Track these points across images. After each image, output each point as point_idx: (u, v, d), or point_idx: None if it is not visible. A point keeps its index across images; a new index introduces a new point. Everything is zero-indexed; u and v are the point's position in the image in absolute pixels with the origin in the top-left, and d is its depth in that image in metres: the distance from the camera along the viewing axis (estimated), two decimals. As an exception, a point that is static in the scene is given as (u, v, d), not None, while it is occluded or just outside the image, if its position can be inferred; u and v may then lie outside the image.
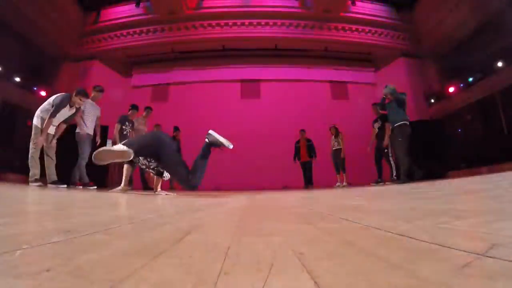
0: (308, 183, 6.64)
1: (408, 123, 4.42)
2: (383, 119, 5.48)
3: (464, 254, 0.36)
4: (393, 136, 4.62)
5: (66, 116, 4.04)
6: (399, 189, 2.83)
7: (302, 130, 6.96)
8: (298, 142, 6.96)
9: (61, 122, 4.07)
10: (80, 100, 4.02)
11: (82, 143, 4.37)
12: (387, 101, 4.74)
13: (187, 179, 2.65)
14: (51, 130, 3.95)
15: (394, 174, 5.27)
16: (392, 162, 5.37)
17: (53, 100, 3.88)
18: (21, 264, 0.35)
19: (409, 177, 4.29)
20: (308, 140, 6.86)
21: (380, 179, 5.54)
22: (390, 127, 4.78)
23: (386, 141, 5.34)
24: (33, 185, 3.62)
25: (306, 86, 9.48)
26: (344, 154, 6.22)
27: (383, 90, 4.79)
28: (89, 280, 0.30)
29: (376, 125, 5.72)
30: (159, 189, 3.19)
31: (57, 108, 3.81)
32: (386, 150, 5.44)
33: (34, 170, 3.70)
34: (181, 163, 2.71)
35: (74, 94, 3.98)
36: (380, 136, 5.57)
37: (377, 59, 9.52)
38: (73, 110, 4.08)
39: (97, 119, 4.70)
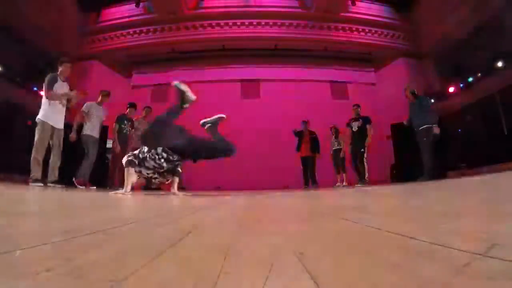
0: (313, 182, 6.14)
1: (432, 126, 4.59)
2: (365, 120, 5.59)
3: (464, 254, 0.36)
4: (421, 136, 4.68)
5: (65, 93, 4.07)
6: (399, 189, 2.83)
7: (305, 121, 6.41)
8: (300, 132, 6.39)
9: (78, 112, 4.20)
10: (66, 66, 4.07)
11: (87, 144, 4.44)
12: (408, 100, 5.01)
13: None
14: (58, 123, 3.95)
15: (367, 176, 5.33)
16: (366, 165, 5.36)
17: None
18: (21, 264, 0.35)
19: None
20: (312, 133, 6.33)
21: (364, 179, 5.43)
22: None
23: (369, 141, 5.40)
24: (33, 185, 3.62)
25: (306, 86, 9.46)
26: (344, 154, 6.21)
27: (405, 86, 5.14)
28: (89, 280, 0.30)
29: (356, 124, 5.62)
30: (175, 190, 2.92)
31: (47, 85, 3.85)
32: (362, 150, 5.40)
33: (35, 171, 3.70)
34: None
35: (58, 65, 4.05)
36: (357, 136, 5.52)
37: (377, 59, 9.51)
38: (66, 85, 4.12)
39: (101, 122, 4.77)
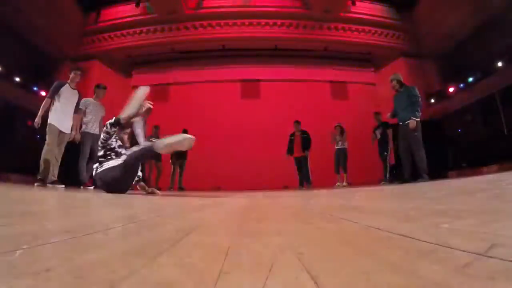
0: (307, 182, 6.02)
1: (419, 120, 4.28)
2: (385, 126, 5.89)
3: (464, 254, 0.36)
4: (406, 132, 4.31)
5: (74, 102, 4.19)
6: (399, 189, 2.83)
7: (297, 122, 6.40)
8: (292, 134, 6.42)
9: (74, 114, 4.22)
10: (75, 74, 4.21)
11: (83, 142, 4.43)
12: (394, 92, 4.69)
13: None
14: (66, 128, 4.05)
15: (388, 176, 5.75)
16: (388, 165, 5.83)
17: None
18: (21, 264, 0.35)
19: (401, 176, 4.54)
20: (303, 132, 6.28)
21: (386, 177, 5.84)
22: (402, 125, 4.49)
23: (391, 144, 5.82)
24: (37, 185, 3.67)
25: (306, 86, 9.47)
26: (347, 153, 6.28)
27: (391, 77, 4.75)
28: (89, 280, 0.30)
29: (379, 132, 6.02)
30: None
31: (54, 89, 3.98)
32: (386, 153, 5.84)
33: (44, 172, 3.74)
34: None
35: (69, 73, 4.22)
36: (382, 141, 5.96)
37: (377, 59, 9.51)
38: (76, 92, 4.23)
39: (101, 119, 4.70)
